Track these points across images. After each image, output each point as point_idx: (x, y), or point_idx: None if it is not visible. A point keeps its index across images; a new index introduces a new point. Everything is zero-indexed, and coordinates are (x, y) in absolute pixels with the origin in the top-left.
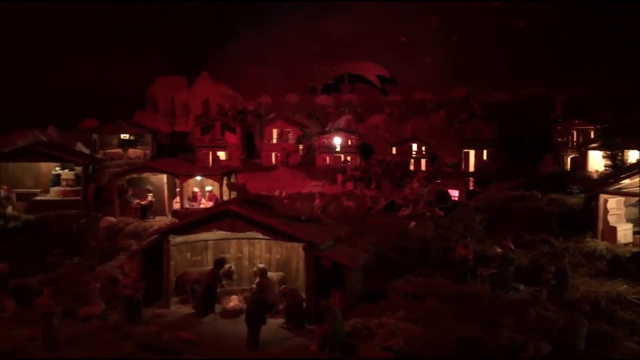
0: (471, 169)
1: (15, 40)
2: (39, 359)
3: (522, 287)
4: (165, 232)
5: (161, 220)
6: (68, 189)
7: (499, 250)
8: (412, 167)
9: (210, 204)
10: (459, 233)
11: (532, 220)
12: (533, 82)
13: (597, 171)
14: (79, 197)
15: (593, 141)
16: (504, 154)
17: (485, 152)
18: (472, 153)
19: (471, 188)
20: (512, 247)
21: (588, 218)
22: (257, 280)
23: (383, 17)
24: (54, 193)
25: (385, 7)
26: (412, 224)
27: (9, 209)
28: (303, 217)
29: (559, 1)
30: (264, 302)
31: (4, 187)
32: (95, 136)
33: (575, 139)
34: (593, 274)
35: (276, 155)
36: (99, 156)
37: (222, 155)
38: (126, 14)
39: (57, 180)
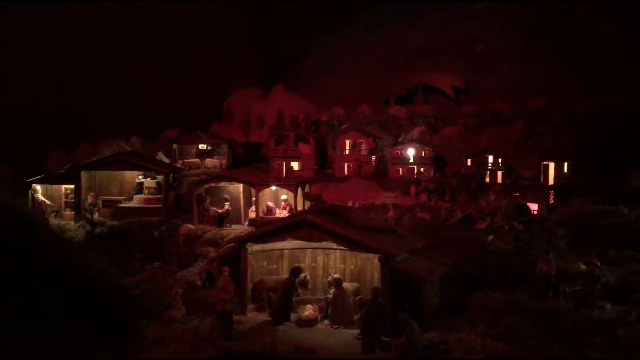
0: (551, 181)
1: (100, 55)
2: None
3: (608, 306)
4: (244, 240)
5: (237, 229)
6: (150, 196)
7: (584, 266)
8: (487, 180)
9: (285, 212)
10: (540, 248)
11: (618, 236)
12: (620, 91)
13: None
14: (160, 205)
15: None
16: (586, 166)
17: (566, 164)
18: (551, 165)
19: (551, 202)
20: (598, 263)
21: None
22: (332, 290)
23: (459, 26)
24: (136, 200)
25: (462, 16)
26: (490, 237)
27: (96, 215)
28: (379, 228)
29: None
30: (383, 309)
31: (91, 194)
32: (175, 146)
33: None
34: None
35: (349, 166)
36: (179, 165)
37: (295, 165)
38: (205, 32)
39: (140, 188)
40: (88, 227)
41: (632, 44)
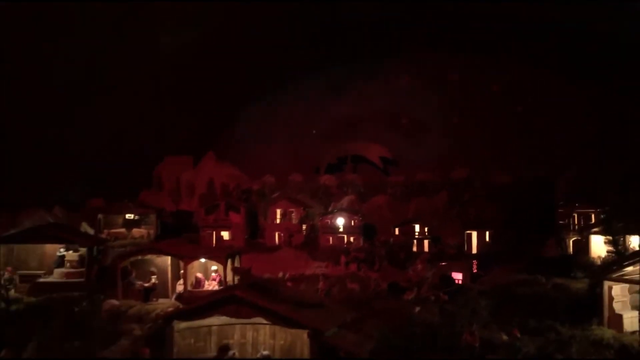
0: (474, 250)
1: (26, 117)
2: None
3: None
4: (170, 318)
5: (164, 303)
6: (72, 270)
7: (505, 337)
8: (415, 249)
9: (215, 283)
10: (464, 318)
11: (537, 305)
12: (535, 164)
13: (599, 257)
14: (82, 279)
15: (594, 225)
16: (506, 235)
17: (487, 233)
18: (474, 234)
19: (475, 271)
20: (519, 335)
21: (593, 304)
22: None
23: (386, 98)
24: (57, 275)
25: (388, 89)
26: (417, 308)
27: (12, 292)
28: (308, 302)
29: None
30: None
31: (8, 268)
32: (100, 216)
33: (576, 222)
34: None
35: (279, 235)
36: (104, 236)
37: (225, 235)
38: (134, 93)
39: (61, 261)
40: (2, 305)
41: (540, 122)
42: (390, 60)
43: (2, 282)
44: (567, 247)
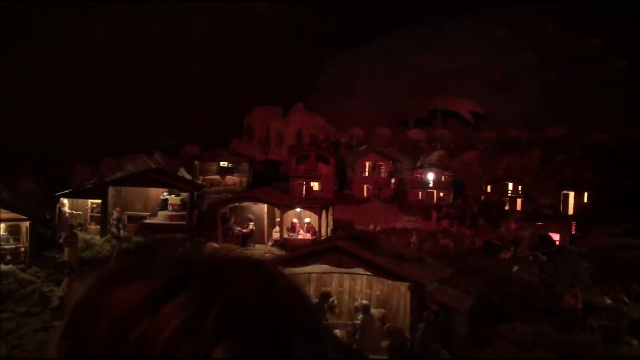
0: (570, 211)
1: (123, 67)
2: None
3: (635, 342)
4: (275, 264)
5: (260, 249)
6: (174, 213)
7: (609, 301)
8: (507, 207)
9: (308, 235)
10: (564, 280)
11: None
12: (634, 124)
13: None
14: (184, 222)
15: None
16: (606, 197)
17: (586, 194)
18: (571, 195)
19: (573, 232)
20: (626, 299)
21: None
22: (360, 316)
23: (478, 53)
24: (161, 217)
25: (480, 43)
26: (515, 268)
27: (122, 231)
28: (408, 257)
29: None
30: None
31: (117, 209)
32: (196, 162)
33: None
34: None
35: (368, 188)
36: (200, 182)
37: (315, 185)
38: (225, 45)
39: (164, 204)
40: (114, 242)
41: None
42: (483, 12)
43: (112, 221)
44: None
